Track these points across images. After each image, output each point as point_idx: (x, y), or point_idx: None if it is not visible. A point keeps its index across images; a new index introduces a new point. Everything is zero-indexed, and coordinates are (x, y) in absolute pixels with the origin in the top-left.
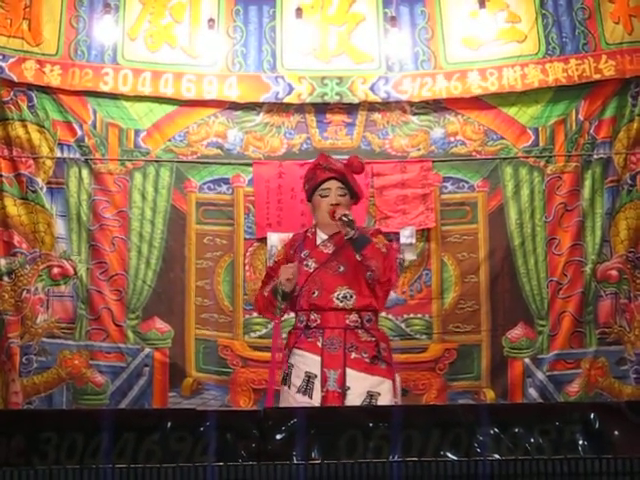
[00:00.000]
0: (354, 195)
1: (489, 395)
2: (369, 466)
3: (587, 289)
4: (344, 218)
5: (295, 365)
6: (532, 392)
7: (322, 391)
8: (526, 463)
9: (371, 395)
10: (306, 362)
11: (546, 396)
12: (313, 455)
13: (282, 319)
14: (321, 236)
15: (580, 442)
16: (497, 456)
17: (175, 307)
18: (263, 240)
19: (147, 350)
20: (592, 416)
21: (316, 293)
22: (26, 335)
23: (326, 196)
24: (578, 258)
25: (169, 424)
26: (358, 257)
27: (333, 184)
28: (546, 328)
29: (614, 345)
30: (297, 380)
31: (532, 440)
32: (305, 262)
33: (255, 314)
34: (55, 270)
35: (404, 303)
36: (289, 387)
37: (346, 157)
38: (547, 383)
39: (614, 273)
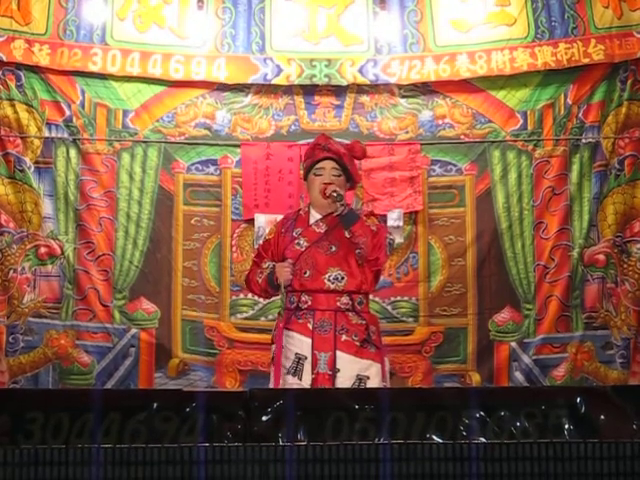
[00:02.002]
0: (350, 179)
1: (475, 378)
2: (355, 448)
3: (574, 273)
4: (334, 194)
5: (285, 346)
6: (518, 376)
7: (312, 373)
8: (512, 447)
9: (360, 379)
10: (296, 343)
11: (532, 380)
12: (299, 437)
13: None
14: (315, 215)
15: (566, 426)
16: (483, 439)
17: (162, 288)
18: (250, 221)
19: (133, 330)
20: (578, 400)
21: (307, 273)
22: (12, 314)
23: (320, 175)
24: (565, 242)
25: (155, 404)
26: (347, 234)
27: (328, 164)
28: (533, 312)
29: (600, 330)
30: (287, 361)
31: (518, 424)
32: (297, 240)
33: (242, 295)
34: (42, 250)
35: (391, 286)
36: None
37: (335, 140)
38: (533, 367)
39: (601, 257)
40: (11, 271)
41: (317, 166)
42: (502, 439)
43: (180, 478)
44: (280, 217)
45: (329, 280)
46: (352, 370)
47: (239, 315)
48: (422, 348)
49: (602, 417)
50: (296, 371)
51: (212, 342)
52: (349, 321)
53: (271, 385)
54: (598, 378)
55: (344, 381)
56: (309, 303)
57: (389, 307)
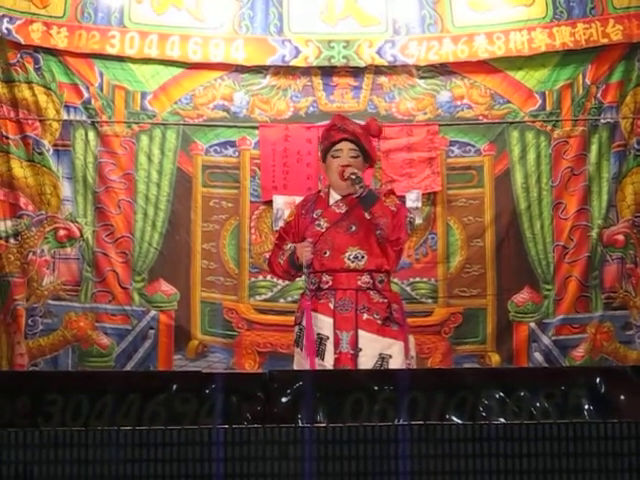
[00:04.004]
0: (368, 158)
1: (494, 359)
2: (374, 429)
3: (593, 254)
4: (352, 176)
5: (307, 327)
6: (537, 356)
7: (335, 353)
8: (531, 427)
9: (383, 358)
10: (317, 324)
11: (551, 360)
12: (318, 418)
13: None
14: (334, 196)
15: (585, 406)
16: (502, 420)
17: (181, 270)
18: (269, 203)
19: (152, 312)
20: (597, 380)
21: (327, 253)
22: (32, 297)
23: (338, 157)
24: (584, 222)
25: (174, 386)
26: (367, 215)
27: (345, 145)
28: (552, 292)
29: (620, 310)
30: (312, 343)
31: (537, 404)
32: (317, 222)
33: (260, 277)
34: (61, 232)
35: (410, 267)
36: (301, 349)
37: (351, 119)
38: (552, 347)
39: (620, 238)
40: (30, 254)
41: (334, 148)
42: (521, 419)
43: (199, 459)
44: (298, 199)
45: (349, 259)
46: (374, 349)
47: (258, 297)
48: (441, 329)
49: (622, 397)
50: (318, 352)
51: (231, 324)
52: (370, 300)
53: (299, 366)
54: (617, 358)
55: (367, 360)
56: (330, 283)
57: (408, 288)
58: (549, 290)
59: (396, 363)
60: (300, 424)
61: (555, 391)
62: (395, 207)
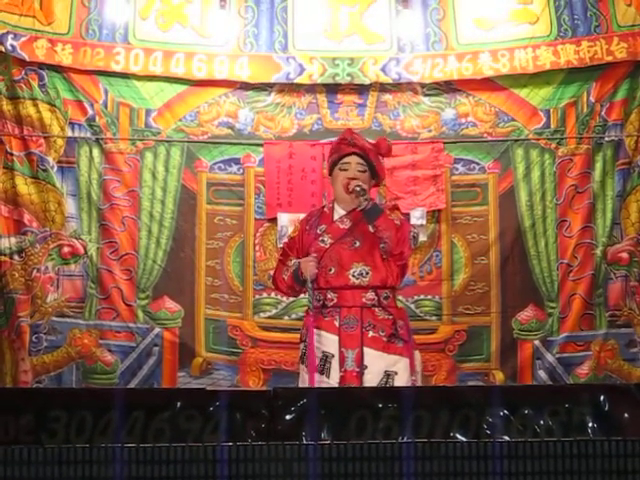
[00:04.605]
0: (375, 175)
1: (498, 377)
2: (378, 447)
3: (597, 271)
4: (357, 188)
5: (309, 344)
6: (541, 374)
7: (340, 371)
8: (535, 445)
9: (388, 374)
10: (323, 341)
11: (555, 378)
12: (322, 435)
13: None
14: (339, 211)
15: (590, 424)
16: (506, 437)
17: (185, 287)
18: (273, 220)
19: (157, 330)
20: (602, 398)
21: (332, 270)
22: (36, 314)
23: (345, 170)
24: (588, 240)
25: (179, 403)
26: (371, 228)
27: (353, 159)
28: (556, 310)
29: (624, 327)
30: (314, 360)
31: (542, 422)
32: (321, 237)
33: (265, 294)
34: (65, 249)
35: (414, 284)
36: (307, 366)
37: (361, 135)
38: (557, 365)
39: (624, 255)
40: (34, 270)
41: (343, 161)
42: (526, 437)
43: (204, 477)
44: (303, 216)
45: (353, 276)
46: (380, 366)
47: (262, 314)
48: (445, 346)
49: (626, 415)
50: (324, 369)
51: (235, 341)
52: (375, 317)
53: (304, 384)
54: (622, 376)
55: (372, 377)
56: (335, 300)
57: (412, 305)
58: (553, 308)
59: (402, 379)
60: (304, 441)
61: (559, 409)
62: (399, 221)
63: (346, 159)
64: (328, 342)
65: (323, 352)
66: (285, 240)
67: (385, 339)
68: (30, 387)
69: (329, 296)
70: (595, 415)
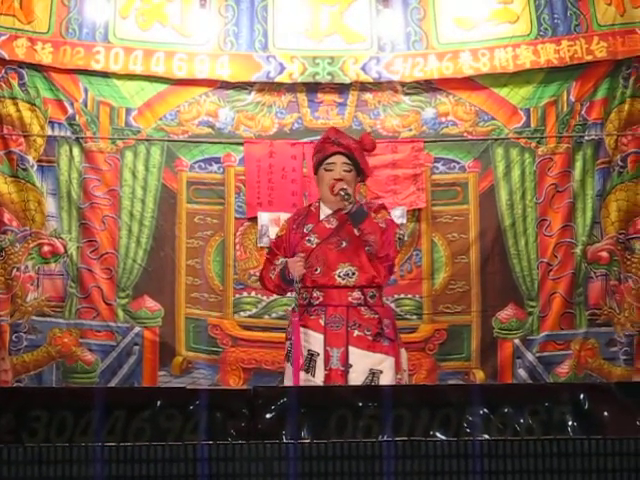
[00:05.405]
0: (361, 172)
1: (479, 376)
2: (359, 445)
3: (577, 270)
4: (342, 192)
5: (294, 342)
6: (522, 373)
7: (325, 369)
8: (515, 443)
9: (373, 373)
10: (309, 340)
11: (536, 377)
12: (303, 434)
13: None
14: (325, 211)
15: (570, 423)
16: (486, 436)
17: (165, 286)
18: (254, 219)
19: (137, 329)
20: (582, 397)
21: (318, 270)
22: (16, 313)
23: (331, 170)
24: (568, 239)
25: (159, 402)
26: (356, 232)
27: (339, 159)
28: (536, 309)
29: (604, 326)
30: (300, 358)
31: (522, 420)
32: (308, 237)
33: (245, 293)
34: (45, 248)
35: (394, 283)
36: (291, 364)
37: (346, 133)
38: (537, 364)
39: (604, 254)
40: (14, 270)
41: (327, 161)
42: (506, 436)
43: (184, 476)
44: (283, 215)
45: (339, 276)
46: (365, 365)
47: (243, 313)
48: (426, 345)
49: (606, 414)
50: (309, 368)
51: (216, 340)
52: (361, 316)
53: (290, 382)
54: (602, 375)
55: (357, 376)
56: (321, 299)
57: (393, 305)
58: (533, 307)
59: (387, 378)
60: (284, 440)
61: (539, 408)
62: (385, 223)
63: (331, 159)
64: (313, 340)
65: (308, 350)
66: (266, 240)
67: (371, 338)
68: (10, 386)
69: (315, 294)
70: (575, 414)
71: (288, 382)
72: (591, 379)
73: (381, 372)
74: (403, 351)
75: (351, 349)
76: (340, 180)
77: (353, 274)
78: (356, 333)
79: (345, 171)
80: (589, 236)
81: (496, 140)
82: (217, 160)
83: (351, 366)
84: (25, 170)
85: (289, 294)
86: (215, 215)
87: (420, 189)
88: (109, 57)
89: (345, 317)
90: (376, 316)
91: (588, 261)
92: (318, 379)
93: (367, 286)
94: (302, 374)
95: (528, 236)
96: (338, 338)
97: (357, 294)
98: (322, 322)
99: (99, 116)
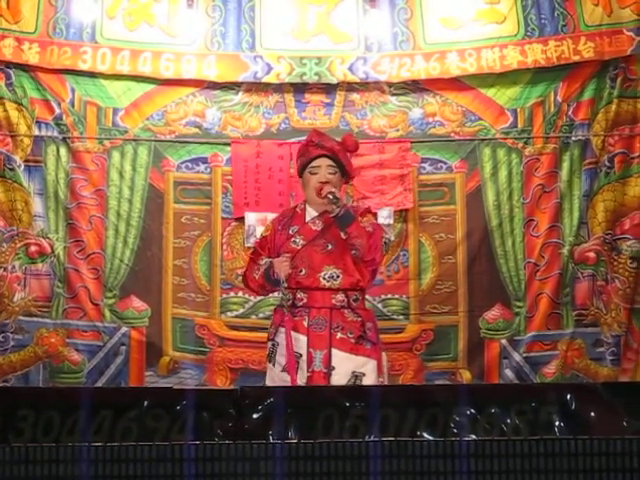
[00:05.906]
0: (345, 174)
1: (465, 376)
2: (345, 446)
3: (564, 271)
4: (329, 196)
5: (280, 343)
6: (508, 373)
7: (308, 371)
8: (502, 444)
9: (356, 376)
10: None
11: (522, 377)
12: (290, 434)
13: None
14: (311, 213)
15: (556, 423)
16: (473, 436)
17: (152, 286)
18: (241, 220)
19: (124, 329)
20: (568, 397)
21: (303, 271)
22: (3, 313)
23: (316, 173)
24: (555, 240)
25: (146, 402)
26: (343, 235)
27: (323, 162)
28: (523, 309)
29: (591, 327)
30: (282, 359)
31: (508, 421)
32: (293, 239)
33: (232, 293)
34: (32, 248)
35: (381, 284)
36: (274, 365)
37: (328, 135)
38: (524, 364)
39: (591, 255)
40: (1, 269)
41: (312, 164)
42: (493, 436)
43: (171, 476)
44: (270, 215)
45: (324, 278)
46: (347, 367)
47: (230, 313)
48: (413, 346)
49: (592, 414)
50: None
51: (203, 340)
52: (345, 318)
53: (272, 382)
54: (589, 375)
55: (340, 379)
56: (304, 301)
57: (380, 305)
58: (520, 307)
59: (369, 381)
60: (271, 440)
61: (526, 408)
62: (371, 227)
63: (315, 162)
64: (297, 342)
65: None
66: (253, 240)
67: (353, 341)
68: None
69: (299, 296)
70: (562, 414)
71: (270, 383)
72: (578, 379)
73: (364, 375)
74: (384, 354)
75: (334, 351)
76: (326, 183)
77: (337, 277)
78: (339, 335)
79: (330, 174)
80: (576, 236)
81: (483, 140)
82: (204, 160)
83: (334, 368)
84: (12, 170)
85: (275, 294)
86: (202, 215)
87: (407, 189)
88: (96, 57)
89: (328, 319)
90: (359, 319)
91: (575, 261)
92: (300, 380)
93: (351, 289)
94: (284, 375)
95: (515, 236)
96: (321, 340)
97: (341, 296)
98: (305, 324)
99: (86, 116)
